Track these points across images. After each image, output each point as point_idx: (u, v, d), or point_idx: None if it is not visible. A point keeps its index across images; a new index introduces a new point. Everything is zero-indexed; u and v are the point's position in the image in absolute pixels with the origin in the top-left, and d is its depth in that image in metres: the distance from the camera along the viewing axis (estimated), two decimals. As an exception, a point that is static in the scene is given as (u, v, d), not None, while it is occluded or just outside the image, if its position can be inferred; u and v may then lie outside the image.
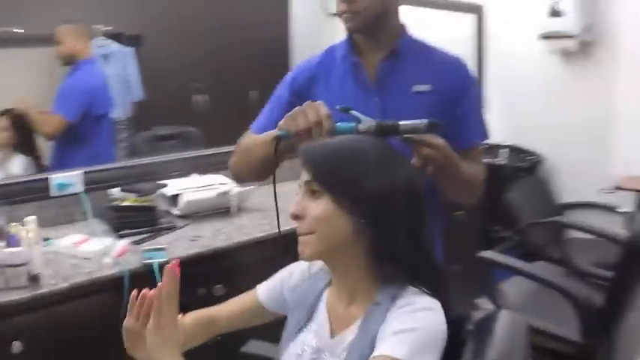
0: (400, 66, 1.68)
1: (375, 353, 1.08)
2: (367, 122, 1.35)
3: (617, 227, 3.14)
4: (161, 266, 1.89)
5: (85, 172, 2.43)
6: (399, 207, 1.17)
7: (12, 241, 1.75)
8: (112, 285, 1.85)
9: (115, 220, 2.21)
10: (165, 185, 2.48)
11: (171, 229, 2.26)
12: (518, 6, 4.16)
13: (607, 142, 3.91)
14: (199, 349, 1.40)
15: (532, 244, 3.46)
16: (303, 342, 1.27)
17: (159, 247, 2.02)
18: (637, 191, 3.51)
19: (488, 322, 1.13)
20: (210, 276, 2.09)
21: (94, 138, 2.77)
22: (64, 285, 1.76)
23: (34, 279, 1.76)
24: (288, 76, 1.78)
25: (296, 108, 1.40)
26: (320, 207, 1.17)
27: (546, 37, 3.96)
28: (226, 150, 2.93)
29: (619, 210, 3.30)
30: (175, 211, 2.43)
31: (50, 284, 1.76)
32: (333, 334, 1.24)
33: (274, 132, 1.46)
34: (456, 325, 1.15)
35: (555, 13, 3.85)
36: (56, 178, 2.34)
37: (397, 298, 1.15)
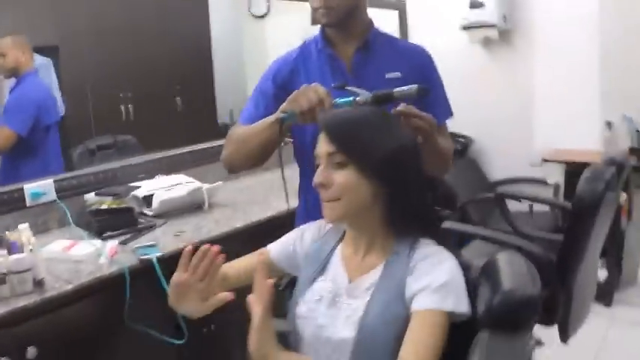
0: (372, 56, 1.85)
1: (421, 307, 1.28)
2: (364, 94, 1.52)
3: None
4: (159, 260, 1.98)
5: (55, 181, 2.46)
6: (409, 167, 1.37)
7: (14, 248, 1.78)
8: (114, 283, 1.90)
9: (96, 223, 2.25)
10: (137, 187, 2.54)
11: (151, 227, 2.33)
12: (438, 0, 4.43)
13: (529, 120, 4.26)
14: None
15: (472, 221, 3.71)
16: (320, 289, 1.43)
17: (149, 243, 2.09)
18: (562, 162, 3.82)
19: (490, 265, 1.30)
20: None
21: (42, 149, 2.75)
22: (68, 287, 1.80)
23: (39, 284, 1.79)
24: (269, 72, 1.92)
25: (295, 91, 1.57)
26: (345, 176, 1.33)
27: (468, 27, 4.24)
28: (188, 150, 3.07)
29: (548, 182, 3.58)
30: (149, 212, 2.50)
31: (55, 288, 1.79)
32: (350, 280, 1.41)
33: (274, 117, 1.62)
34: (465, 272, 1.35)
35: (475, 4, 4.13)
36: (30, 187, 2.36)
37: (414, 249, 1.36)
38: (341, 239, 1.51)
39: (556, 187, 3.63)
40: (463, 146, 4.37)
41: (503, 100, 4.30)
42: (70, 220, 2.29)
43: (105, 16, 2.93)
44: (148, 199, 2.51)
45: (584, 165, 2.69)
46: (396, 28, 4.53)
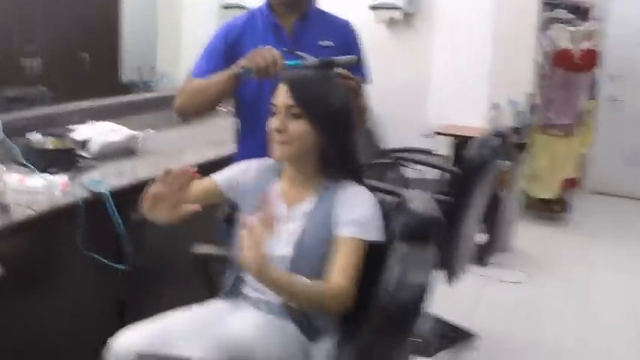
0: (309, 26, 2.20)
1: (348, 235, 1.66)
2: (310, 59, 1.86)
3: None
4: (112, 193, 2.22)
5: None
6: (346, 123, 1.75)
7: (-19, 175, 1.97)
8: (68, 213, 2.12)
9: (42, 161, 2.43)
10: (73, 130, 2.73)
11: (92, 167, 2.54)
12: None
13: (425, 97, 4.74)
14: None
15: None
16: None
17: (97, 179, 2.32)
18: (452, 136, 4.30)
19: (405, 200, 1.68)
20: (139, 203, 2.41)
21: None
22: (31, 213, 2.01)
23: (4, 209, 1.98)
24: (220, 33, 2.22)
25: (253, 50, 1.90)
26: (298, 126, 1.68)
27: (375, 7, 4.62)
28: (117, 100, 3.24)
29: (437, 153, 4.04)
30: (86, 154, 2.69)
31: (19, 212, 1.99)
32: (289, 207, 1.76)
33: (230, 71, 1.93)
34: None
35: (384, -14, 4.52)
36: (-24, 125, 2.48)
37: (342, 187, 1.74)
38: (279, 176, 1.84)
39: (445, 158, 4.09)
40: (363, 116, 4.77)
41: (403, 76, 4.74)
42: (20, 157, 2.44)
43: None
44: (84, 143, 2.70)
45: (470, 139, 3.13)
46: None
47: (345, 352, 1.66)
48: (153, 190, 1.66)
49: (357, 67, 2.12)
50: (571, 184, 5.71)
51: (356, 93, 1.91)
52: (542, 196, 5.57)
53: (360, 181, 1.80)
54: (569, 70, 5.26)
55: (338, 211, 1.69)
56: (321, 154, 1.74)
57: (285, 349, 1.64)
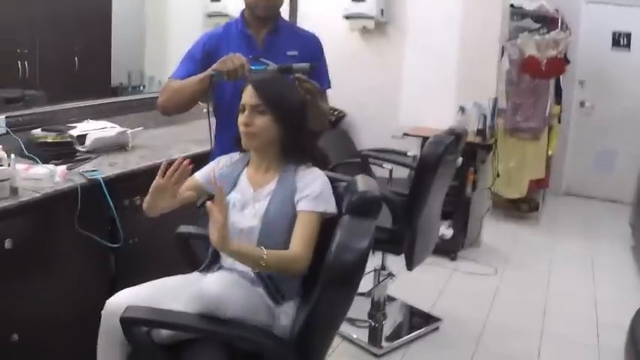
0: (278, 38, 2.53)
1: (304, 209, 2.01)
2: (272, 65, 2.21)
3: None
4: (105, 180, 2.55)
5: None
6: (302, 117, 2.10)
7: (-6, 162, 2.28)
8: (67, 196, 2.43)
9: (44, 152, 2.73)
10: (73, 127, 3.04)
11: (88, 159, 2.84)
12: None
13: (396, 100, 5.09)
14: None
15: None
16: (233, 199, 2.11)
17: (93, 169, 2.64)
18: (420, 137, 4.63)
19: (353, 181, 2.02)
20: (130, 190, 2.73)
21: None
22: (37, 195, 2.33)
23: (14, 191, 2.29)
24: (199, 41, 2.57)
25: (224, 56, 2.24)
26: (263, 121, 2.02)
27: (349, 17, 4.97)
28: (110, 101, 3.55)
29: (408, 154, 4.35)
30: (82, 148, 2.99)
31: (26, 195, 2.30)
32: (254, 190, 2.10)
33: (205, 74, 2.28)
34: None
35: (357, -3, 4.86)
36: (-15, 121, 2.79)
37: (298, 169, 2.08)
38: (246, 165, 2.18)
39: (414, 158, 4.40)
40: (337, 118, 5.11)
41: (375, 81, 5.10)
42: (24, 149, 2.74)
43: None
44: (80, 138, 3.01)
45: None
46: (287, 14, 5.12)
47: (302, 313, 1.97)
48: (155, 183, 2.03)
49: (317, 74, 2.45)
50: (539, 184, 6.04)
51: (312, 94, 2.25)
52: (511, 196, 5.89)
53: (315, 165, 2.14)
54: (536, 76, 5.57)
55: (296, 189, 2.04)
56: (281, 144, 2.08)
57: (253, 306, 1.93)
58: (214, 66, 2.27)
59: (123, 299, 1.96)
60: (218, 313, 1.78)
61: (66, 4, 3.35)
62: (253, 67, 2.24)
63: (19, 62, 3.15)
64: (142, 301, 1.93)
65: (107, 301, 2.01)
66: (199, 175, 2.24)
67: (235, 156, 2.23)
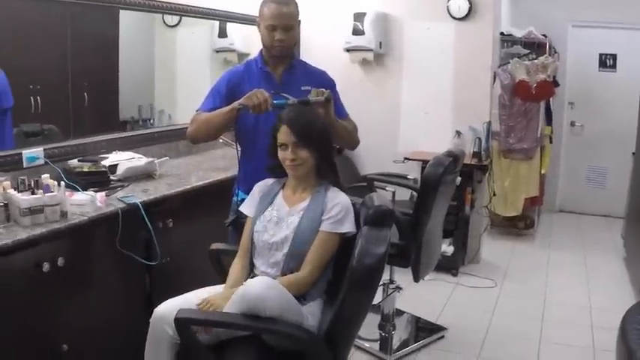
0: (293, 74, 2.83)
1: (325, 229, 2.33)
2: (292, 99, 2.50)
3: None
4: (143, 205, 2.83)
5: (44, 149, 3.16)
6: (329, 142, 2.43)
7: (47, 189, 2.55)
8: (109, 219, 2.72)
9: (82, 181, 3.01)
10: (105, 157, 3.33)
11: (122, 187, 3.12)
12: (328, 27, 5.45)
13: (396, 127, 5.42)
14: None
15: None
16: (270, 215, 2.43)
17: (129, 195, 2.92)
18: (420, 160, 4.92)
19: (368, 197, 2.32)
20: (162, 214, 3.02)
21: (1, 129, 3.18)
22: (84, 218, 2.61)
23: (64, 215, 2.57)
24: (224, 77, 2.86)
25: (249, 92, 2.53)
26: (303, 154, 2.35)
27: (350, 50, 5.29)
28: (135, 133, 3.82)
29: (409, 177, 4.63)
30: (113, 177, 3.27)
31: (74, 218, 2.59)
32: (290, 207, 2.42)
33: (231, 107, 2.60)
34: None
35: (357, 32, 5.18)
36: (27, 152, 3.05)
37: (327, 190, 2.39)
38: (282, 187, 2.50)
39: (414, 180, 4.68)
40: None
41: (376, 110, 5.41)
42: (64, 178, 3.00)
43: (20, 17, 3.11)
44: (112, 167, 3.29)
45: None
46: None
47: (328, 313, 2.26)
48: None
49: (339, 108, 2.81)
50: (533, 202, 6.30)
51: (330, 119, 2.55)
52: (507, 214, 6.15)
53: (340, 187, 2.47)
54: (527, 99, 5.85)
55: (325, 209, 2.36)
56: (315, 168, 2.42)
57: (287, 305, 2.17)
58: (241, 100, 2.56)
59: (170, 306, 2.23)
60: (258, 312, 2.04)
61: (75, 41, 3.42)
62: (275, 102, 2.53)
63: (31, 98, 3.22)
64: (190, 305, 2.20)
65: (155, 309, 2.29)
66: (248, 212, 2.54)
67: (270, 180, 2.56)
